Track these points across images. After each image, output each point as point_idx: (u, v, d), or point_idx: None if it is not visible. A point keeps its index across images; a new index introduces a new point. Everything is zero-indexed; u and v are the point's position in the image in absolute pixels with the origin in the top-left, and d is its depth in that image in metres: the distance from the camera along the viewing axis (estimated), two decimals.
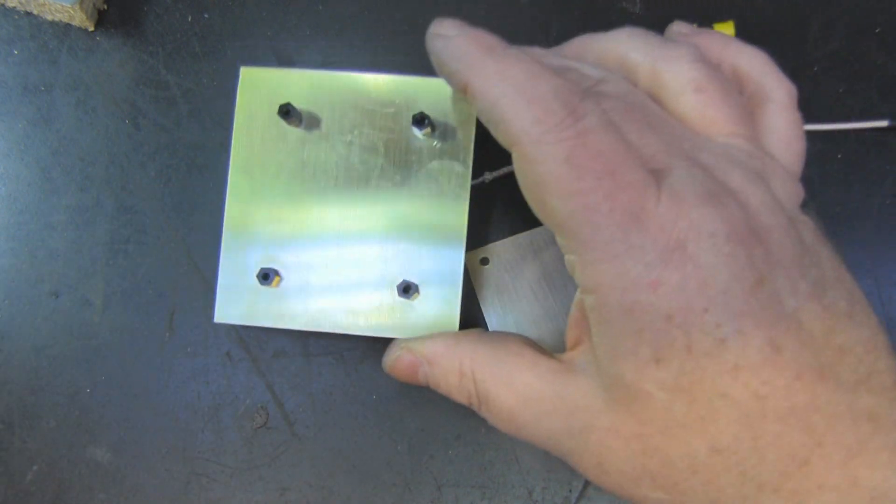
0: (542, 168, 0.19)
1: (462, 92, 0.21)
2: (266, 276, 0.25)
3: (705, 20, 0.29)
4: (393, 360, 0.25)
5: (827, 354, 0.18)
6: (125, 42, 0.30)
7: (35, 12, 0.29)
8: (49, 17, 0.29)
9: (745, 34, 0.30)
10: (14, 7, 0.29)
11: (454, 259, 0.25)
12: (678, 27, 0.26)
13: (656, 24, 0.26)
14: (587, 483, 0.27)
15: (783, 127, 0.23)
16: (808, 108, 0.30)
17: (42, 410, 0.27)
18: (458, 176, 0.26)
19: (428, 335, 0.25)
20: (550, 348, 0.26)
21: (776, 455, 0.18)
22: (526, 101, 0.19)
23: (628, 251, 0.18)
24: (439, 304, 0.25)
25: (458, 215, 0.25)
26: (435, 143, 0.26)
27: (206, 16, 0.30)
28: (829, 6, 0.30)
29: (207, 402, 0.27)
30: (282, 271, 0.25)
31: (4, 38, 0.29)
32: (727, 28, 0.29)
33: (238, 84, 0.26)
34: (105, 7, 0.30)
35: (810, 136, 0.29)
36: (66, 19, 0.29)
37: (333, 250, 0.26)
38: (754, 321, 0.18)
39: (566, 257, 0.20)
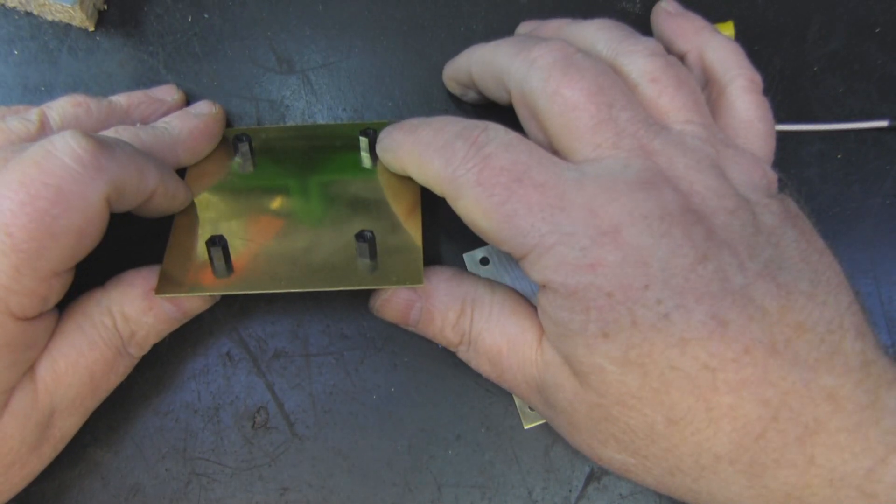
0: (463, 199, 0.21)
1: (405, 172, 0.24)
2: (215, 243, 0.24)
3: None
4: (385, 297, 0.24)
5: (782, 331, 0.19)
6: (125, 42, 0.30)
7: (35, 12, 0.29)
8: (49, 17, 0.30)
9: (745, 34, 0.30)
10: (14, 7, 0.29)
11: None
12: (665, 4, 0.27)
13: None
14: (587, 483, 0.27)
15: (744, 109, 0.24)
16: (808, 108, 0.30)
17: None
18: (410, 203, 0.26)
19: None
20: None
21: (731, 427, 0.19)
22: (434, 151, 0.22)
23: (562, 239, 0.20)
24: (402, 258, 0.24)
25: (413, 235, 0.25)
26: (382, 177, 0.27)
27: (206, 16, 0.30)
28: (829, 6, 0.30)
29: (207, 402, 0.27)
30: (233, 246, 0.25)
31: (4, 38, 0.29)
32: (727, 28, 0.29)
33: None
34: (105, 7, 0.30)
35: (810, 136, 0.29)
36: (66, 19, 0.29)
37: (290, 223, 0.26)
38: (696, 296, 0.19)
39: (521, 267, 0.21)
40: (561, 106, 0.21)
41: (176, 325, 0.25)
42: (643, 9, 0.30)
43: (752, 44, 0.30)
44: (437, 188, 0.22)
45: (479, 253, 0.28)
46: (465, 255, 0.28)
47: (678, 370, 0.19)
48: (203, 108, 0.28)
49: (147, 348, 0.25)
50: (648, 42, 0.23)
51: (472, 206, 0.21)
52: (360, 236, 0.24)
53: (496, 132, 0.21)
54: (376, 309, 0.25)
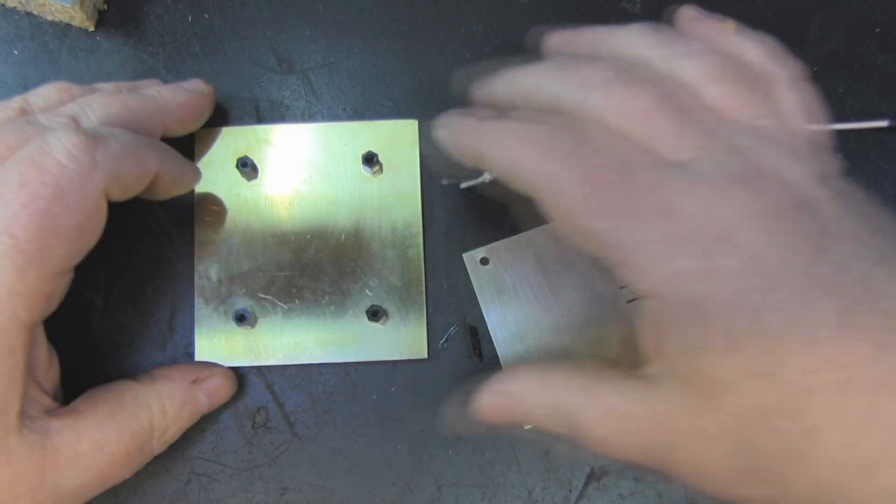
0: (566, 198, 0.20)
1: (475, 162, 0.23)
2: (242, 318, 0.26)
3: None
4: (483, 407, 0.23)
5: None
6: (125, 42, 0.30)
7: (35, 12, 0.29)
8: (49, 17, 0.29)
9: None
10: (14, 7, 0.29)
11: (416, 282, 0.27)
12: (688, 10, 0.26)
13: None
14: (587, 483, 0.27)
15: (797, 101, 0.23)
16: None
17: None
18: (410, 204, 0.28)
19: (511, 370, 0.24)
20: (551, 349, 0.26)
21: (875, 427, 0.17)
22: (530, 144, 0.20)
23: (674, 246, 0.19)
24: (407, 328, 0.27)
25: (414, 241, 0.28)
26: (383, 177, 0.28)
27: (206, 16, 0.30)
28: (829, 6, 0.30)
29: None
30: (255, 310, 0.27)
31: (4, 38, 0.29)
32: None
33: (195, 143, 0.28)
34: (105, 7, 0.30)
35: None
36: (66, 19, 0.29)
37: (303, 285, 0.27)
38: (820, 292, 0.18)
39: (617, 273, 0.20)
40: (632, 121, 0.20)
41: (196, 420, 0.26)
42: (643, 9, 0.30)
43: None
44: (528, 184, 0.21)
45: (480, 253, 0.28)
46: (464, 255, 0.28)
47: (812, 374, 0.17)
48: (195, 85, 0.27)
49: (165, 448, 0.25)
50: (699, 40, 0.23)
51: (576, 206, 0.20)
52: (370, 312, 0.26)
53: (597, 128, 0.20)
54: (476, 418, 0.23)
